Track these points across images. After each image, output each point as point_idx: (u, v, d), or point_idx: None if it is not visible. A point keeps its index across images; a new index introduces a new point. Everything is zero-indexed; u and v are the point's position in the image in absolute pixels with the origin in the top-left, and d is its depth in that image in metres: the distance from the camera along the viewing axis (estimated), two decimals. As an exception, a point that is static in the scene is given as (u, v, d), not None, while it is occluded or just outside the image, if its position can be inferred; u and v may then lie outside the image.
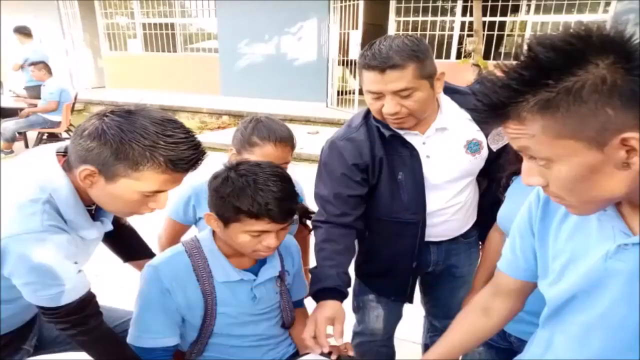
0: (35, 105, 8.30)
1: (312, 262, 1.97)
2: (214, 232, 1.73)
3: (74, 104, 8.83)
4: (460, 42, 11.33)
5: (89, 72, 15.69)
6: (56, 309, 1.48)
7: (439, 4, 11.39)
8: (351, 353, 1.76)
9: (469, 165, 1.99)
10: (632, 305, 1.02)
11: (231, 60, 13.28)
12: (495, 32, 10.78)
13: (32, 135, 8.63)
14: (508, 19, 11.32)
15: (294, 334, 1.92)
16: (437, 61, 1.82)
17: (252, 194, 1.52)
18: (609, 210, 1.05)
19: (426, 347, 2.66)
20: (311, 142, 8.38)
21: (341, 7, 11.19)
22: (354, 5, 10.52)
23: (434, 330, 2.54)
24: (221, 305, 1.70)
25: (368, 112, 1.98)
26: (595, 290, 1.08)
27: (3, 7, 12.10)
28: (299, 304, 2.00)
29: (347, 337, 2.14)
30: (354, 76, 11.91)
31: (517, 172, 1.72)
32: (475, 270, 2.15)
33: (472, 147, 1.97)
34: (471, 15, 8.87)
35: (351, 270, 2.00)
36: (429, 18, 11.26)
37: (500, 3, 10.58)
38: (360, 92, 1.77)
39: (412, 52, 1.72)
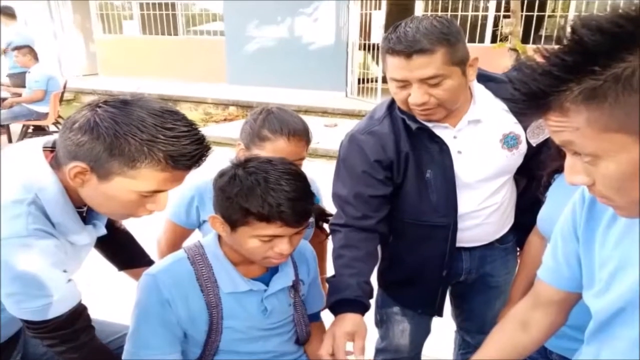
0: (20, 95, 8.38)
1: (330, 271, 1.98)
2: (219, 237, 1.74)
3: (62, 93, 8.92)
4: (495, 24, 11.23)
5: (80, 58, 15.84)
6: (43, 323, 1.48)
7: (472, -20, 11.35)
8: (373, 372, 1.76)
9: (505, 162, 1.99)
10: None
11: (239, 45, 13.30)
12: (535, 13, 10.68)
13: (16, 128, 8.71)
14: (550, -3, 11.25)
15: (310, 351, 1.92)
16: (469, 45, 1.82)
17: (262, 194, 1.51)
18: None
19: (457, 366, 2.66)
20: (329, 135, 8.40)
21: (362, -16, 11.19)
22: (376, -19, 10.52)
23: (467, 346, 2.54)
24: (228, 318, 1.70)
25: (392, 102, 1.99)
26: None
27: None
28: (315, 317, 2.00)
29: (369, 354, 2.14)
30: (377, 62, 11.87)
31: (560, 170, 1.72)
32: (513, 280, 2.15)
33: (509, 141, 1.96)
34: (508, -7, 8.82)
35: (373, 279, 2.01)
36: (461, -4, 11.22)
37: (541, -21, 10.50)
38: (384, 80, 1.76)
39: (441, 35, 1.72)
